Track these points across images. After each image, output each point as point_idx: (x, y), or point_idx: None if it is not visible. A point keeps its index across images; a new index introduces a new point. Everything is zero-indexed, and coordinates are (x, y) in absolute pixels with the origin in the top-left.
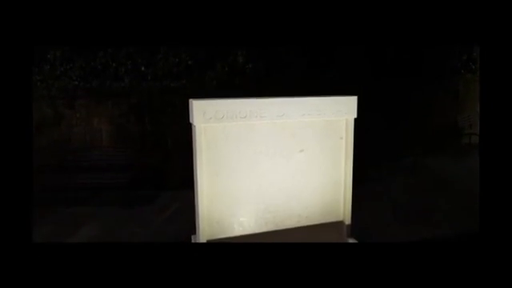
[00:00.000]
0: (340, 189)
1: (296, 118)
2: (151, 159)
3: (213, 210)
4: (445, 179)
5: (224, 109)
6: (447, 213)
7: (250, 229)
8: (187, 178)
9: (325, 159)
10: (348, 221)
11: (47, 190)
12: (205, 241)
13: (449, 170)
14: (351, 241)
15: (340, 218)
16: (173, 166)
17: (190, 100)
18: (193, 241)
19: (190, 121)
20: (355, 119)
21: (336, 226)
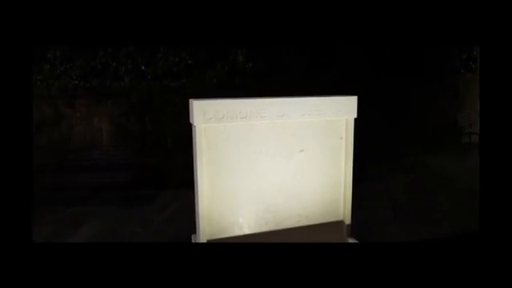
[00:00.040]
0: (340, 189)
1: (296, 118)
2: (151, 158)
3: (213, 210)
4: (445, 178)
5: (224, 109)
6: (447, 211)
7: (250, 229)
8: (187, 177)
9: (325, 159)
10: (348, 220)
11: (47, 189)
12: (205, 241)
13: (449, 168)
14: (351, 240)
15: (340, 218)
16: (173, 165)
17: (190, 100)
18: (193, 240)
19: (190, 121)
20: (355, 118)
21: (336, 225)
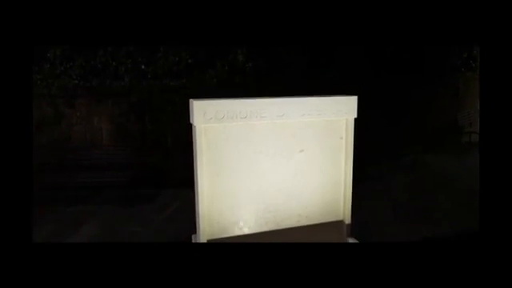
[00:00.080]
0: (340, 188)
1: (296, 118)
2: (151, 158)
3: (213, 210)
4: (445, 178)
5: (224, 109)
6: (447, 211)
7: (250, 229)
8: (187, 176)
9: (325, 159)
10: (348, 220)
11: (47, 188)
12: (205, 241)
13: (449, 168)
14: (351, 240)
15: (340, 218)
16: (173, 164)
17: (191, 100)
18: (193, 240)
19: (191, 121)
20: (355, 118)
21: (336, 225)
